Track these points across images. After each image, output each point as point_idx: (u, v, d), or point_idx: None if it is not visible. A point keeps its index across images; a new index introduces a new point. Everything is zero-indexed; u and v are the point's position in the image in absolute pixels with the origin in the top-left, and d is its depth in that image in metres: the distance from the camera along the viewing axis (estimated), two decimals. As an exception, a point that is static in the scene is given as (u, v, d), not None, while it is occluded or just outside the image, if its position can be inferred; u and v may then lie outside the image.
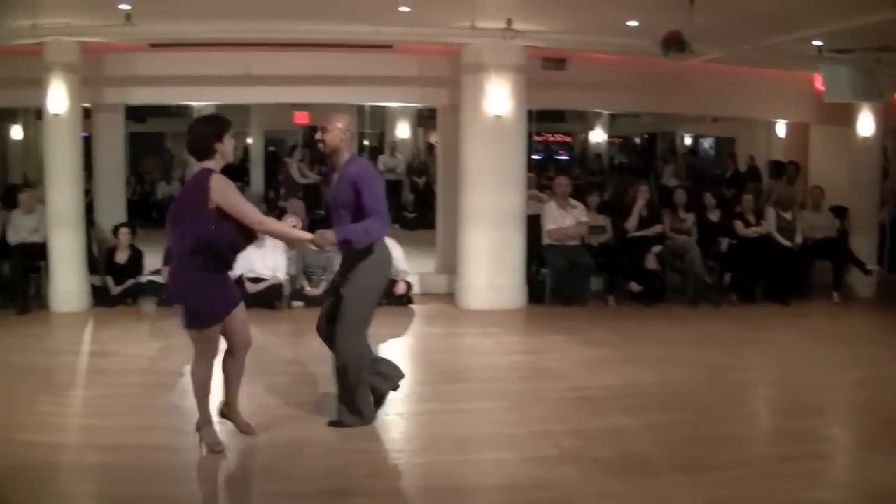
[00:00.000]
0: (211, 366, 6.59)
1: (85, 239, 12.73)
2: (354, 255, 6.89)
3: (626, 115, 24.56)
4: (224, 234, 6.23)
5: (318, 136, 7.12)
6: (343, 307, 6.91)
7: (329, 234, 6.59)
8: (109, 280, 12.58)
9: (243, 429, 6.89)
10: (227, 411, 6.90)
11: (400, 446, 6.95)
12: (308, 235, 6.74)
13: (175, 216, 6.37)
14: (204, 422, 6.59)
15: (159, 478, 6.17)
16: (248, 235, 6.47)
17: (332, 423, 7.10)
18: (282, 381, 8.31)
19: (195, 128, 6.47)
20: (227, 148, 6.45)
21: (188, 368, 6.62)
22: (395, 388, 7.42)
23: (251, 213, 6.31)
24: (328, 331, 7.09)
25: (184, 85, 13.44)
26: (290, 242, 7.14)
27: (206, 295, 6.32)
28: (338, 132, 6.92)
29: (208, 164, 6.34)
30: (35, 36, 11.75)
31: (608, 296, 12.91)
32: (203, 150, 6.36)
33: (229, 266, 6.60)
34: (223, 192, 6.18)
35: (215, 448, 6.54)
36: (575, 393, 8.20)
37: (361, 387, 7.09)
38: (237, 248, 6.47)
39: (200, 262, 6.23)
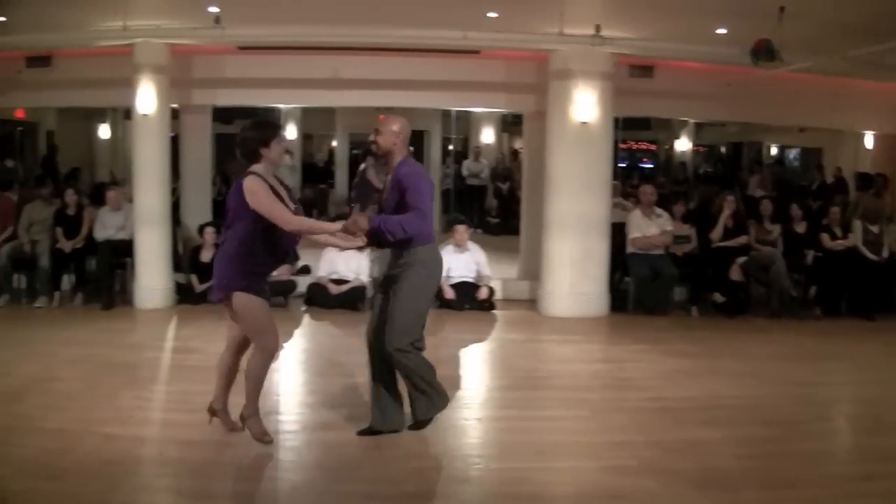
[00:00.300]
0: (269, 361, 6.71)
1: (170, 237, 12.95)
2: (402, 256, 6.84)
3: (711, 124, 24.36)
4: (258, 237, 6.37)
5: (371, 137, 7.10)
6: (392, 309, 6.86)
7: (362, 221, 6.52)
8: (194, 278, 12.74)
9: (232, 427, 6.97)
10: (219, 409, 7.00)
11: (478, 451, 6.94)
12: (336, 226, 6.66)
13: (227, 219, 6.55)
14: (251, 413, 6.70)
15: (237, 474, 6.28)
16: (288, 242, 6.67)
17: (411, 427, 7.11)
18: (361, 381, 8.22)
19: (243, 132, 6.60)
20: (273, 154, 6.57)
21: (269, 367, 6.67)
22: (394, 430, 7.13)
23: (280, 214, 6.35)
24: (376, 341, 6.99)
25: (271, 87, 13.65)
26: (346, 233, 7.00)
27: (246, 270, 6.45)
28: (391, 135, 6.88)
29: (256, 168, 6.47)
30: (125, 37, 12.00)
31: (691, 306, 12.81)
32: (249, 154, 6.53)
33: (270, 269, 6.75)
34: (252, 193, 6.30)
35: (264, 438, 6.68)
36: (656, 403, 8.15)
37: (431, 374, 7.00)
38: (273, 255, 6.62)
39: (246, 257, 6.37)
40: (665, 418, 7.70)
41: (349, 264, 12.41)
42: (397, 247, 6.82)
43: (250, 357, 6.66)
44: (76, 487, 5.84)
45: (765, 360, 10.13)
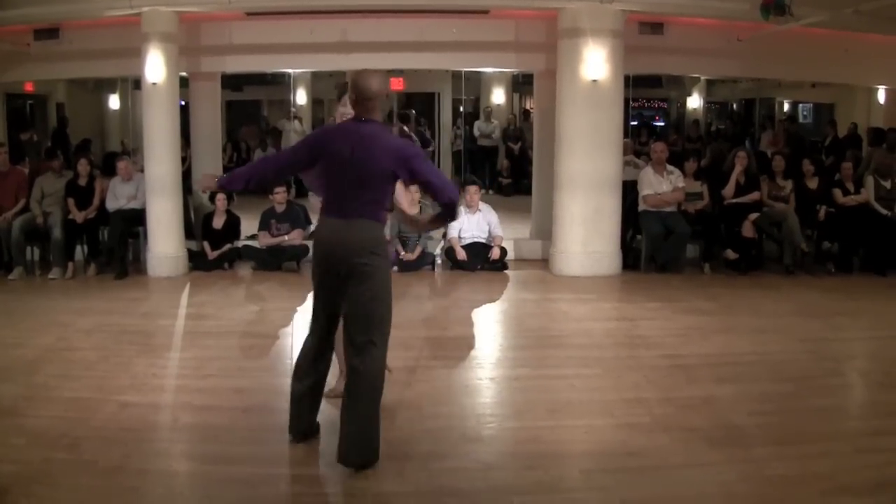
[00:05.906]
0: None
1: (182, 205, 12.98)
2: None
3: (723, 81, 24.21)
4: None
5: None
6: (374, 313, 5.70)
7: None
8: (206, 245, 12.82)
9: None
10: None
11: (491, 411, 6.96)
12: None
13: None
14: None
15: (252, 438, 6.27)
16: None
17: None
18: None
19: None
20: None
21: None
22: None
23: None
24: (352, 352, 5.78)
25: (279, 53, 13.69)
26: None
27: None
28: None
29: None
30: (133, 6, 12.01)
31: (704, 263, 12.82)
32: None
33: None
34: None
35: None
36: (669, 361, 8.15)
37: None
38: None
39: None
40: (678, 375, 7.71)
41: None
42: None
43: None
44: (92, 455, 5.87)
45: (778, 316, 10.13)
